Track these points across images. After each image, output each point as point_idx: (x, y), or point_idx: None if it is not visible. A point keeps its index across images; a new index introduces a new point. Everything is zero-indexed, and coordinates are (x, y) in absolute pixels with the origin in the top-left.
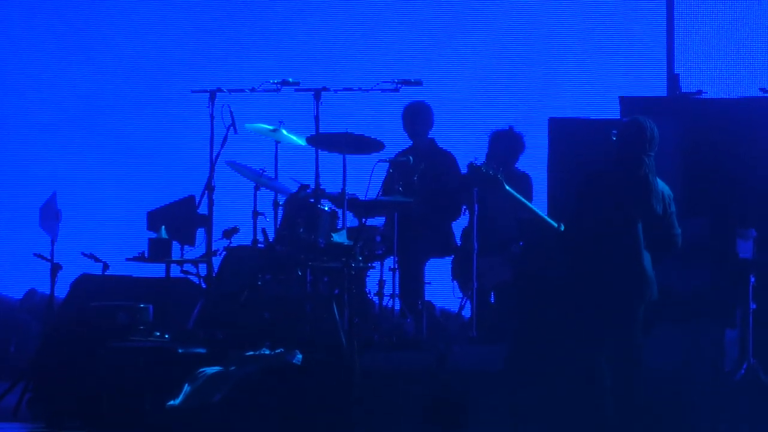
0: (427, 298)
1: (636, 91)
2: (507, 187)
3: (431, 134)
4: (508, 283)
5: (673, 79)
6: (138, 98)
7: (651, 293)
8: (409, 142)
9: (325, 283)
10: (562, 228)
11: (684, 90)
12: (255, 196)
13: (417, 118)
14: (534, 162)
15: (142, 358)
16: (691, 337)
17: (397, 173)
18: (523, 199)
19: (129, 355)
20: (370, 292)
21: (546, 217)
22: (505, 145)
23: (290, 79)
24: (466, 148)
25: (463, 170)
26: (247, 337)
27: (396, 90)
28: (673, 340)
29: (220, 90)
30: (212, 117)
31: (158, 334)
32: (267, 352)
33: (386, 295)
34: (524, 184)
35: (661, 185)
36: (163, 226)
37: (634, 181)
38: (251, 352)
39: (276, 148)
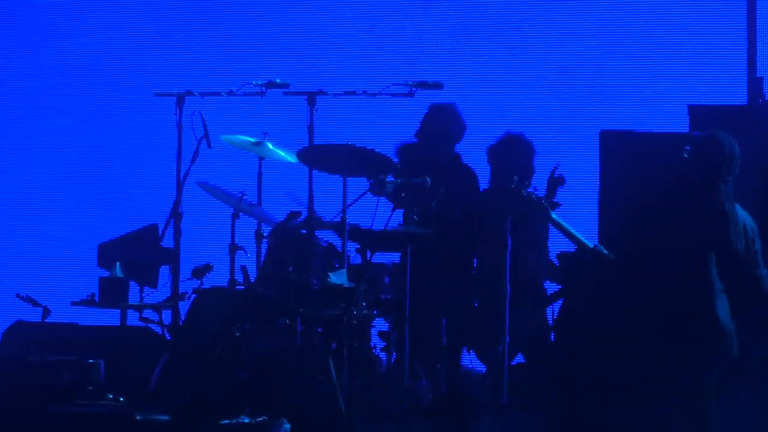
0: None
1: (709, 98)
2: (554, 216)
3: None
4: (544, 336)
5: (755, 84)
6: (87, 103)
7: (728, 349)
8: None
9: (320, 335)
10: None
11: None
12: (233, 225)
13: (441, 124)
14: (582, 183)
15: (91, 426)
16: None
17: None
18: (572, 229)
19: (74, 422)
20: (375, 347)
21: (601, 248)
22: (511, 155)
23: (278, 81)
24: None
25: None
26: (222, 402)
27: (410, 94)
28: (750, 410)
29: (189, 93)
30: (180, 127)
31: (111, 396)
32: (246, 420)
33: (395, 351)
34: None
35: (743, 215)
36: (118, 263)
37: (707, 210)
38: (227, 421)
39: (259, 165)
